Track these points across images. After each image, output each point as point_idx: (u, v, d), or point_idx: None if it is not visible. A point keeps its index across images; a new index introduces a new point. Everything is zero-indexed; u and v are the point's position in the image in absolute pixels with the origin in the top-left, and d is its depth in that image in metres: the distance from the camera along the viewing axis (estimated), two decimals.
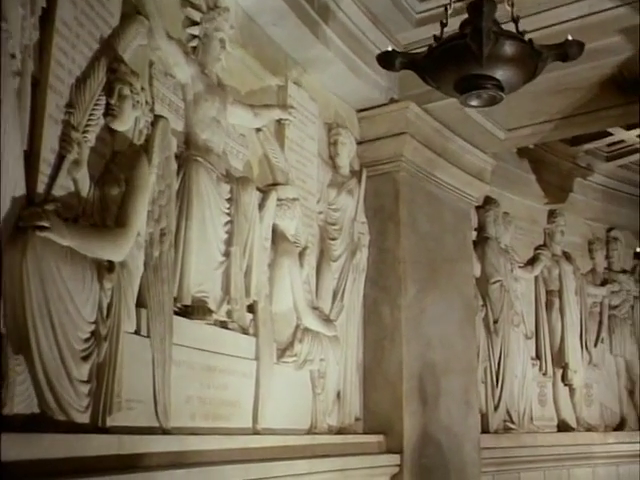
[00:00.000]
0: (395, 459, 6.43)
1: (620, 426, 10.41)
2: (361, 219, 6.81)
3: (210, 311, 4.72)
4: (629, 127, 9.09)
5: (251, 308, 5.23)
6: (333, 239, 6.48)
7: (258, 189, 5.47)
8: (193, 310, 4.62)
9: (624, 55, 6.24)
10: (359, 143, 7.04)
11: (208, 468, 4.36)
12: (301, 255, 5.88)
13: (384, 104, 7.02)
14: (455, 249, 7.79)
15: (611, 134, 9.24)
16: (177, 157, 4.64)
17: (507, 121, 7.59)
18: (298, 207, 5.83)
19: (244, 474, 4.65)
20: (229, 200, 4.98)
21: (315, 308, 5.99)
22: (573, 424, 9.59)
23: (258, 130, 5.71)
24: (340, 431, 6.19)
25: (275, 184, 5.75)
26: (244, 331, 5.13)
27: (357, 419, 6.50)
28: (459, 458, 7.16)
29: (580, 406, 9.69)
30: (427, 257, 7.25)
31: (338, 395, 6.25)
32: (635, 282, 10.84)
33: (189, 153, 4.76)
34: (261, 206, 5.44)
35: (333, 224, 6.53)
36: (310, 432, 5.79)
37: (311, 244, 6.12)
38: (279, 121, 5.96)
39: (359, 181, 6.89)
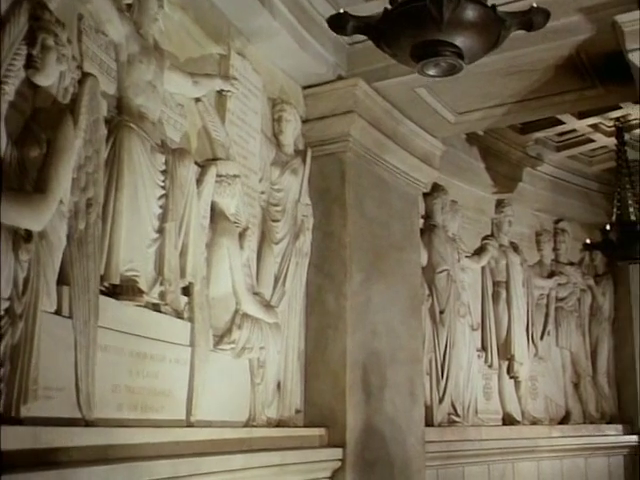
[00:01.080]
0: (337, 453, 6.12)
1: (565, 420, 10.33)
2: (305, 201, 6.47)
3: (141, 292, 4.31)
4: (581, 116, 8.93)
5: (186, 290, 4.87)
6: (275, 221, 6.13)
7: (196, 163, 5.10)
8: (122, 290, 4.22)
9: (582, 36, 5.98)
10: (304, 121, 6.70)
11: (135, 464, 3.99)
12: (241, 236, 5.51)
13: (331, 81, 6.68)
14: (402, 236, 7.50)
15: (563, 123, 9.04)
16: (107, 122, 4.22)
17: (458, 104, 7.31)
18: (239, 185, 5.46)
19: (174, 470, 4.28)
20: (164, 172, 4.58)
21: (255, 293, 5.64)
22: (518, 417, 9.43)
23: (197, 100, 5.33)
24: (280, 424, 5.89)
25: (215, 159, 5.37)
26: (178, 315, 4.77)
27: (298, 411, 6.19)
28: (403, 452, 6.90)
29: (525, 399, 9.55)
30: (373, 243, 6.96)
31: (278, 386, 5.94)
32: (582, 274, 10.80)
33: (121, 118, 4.36)
34: (199, 181, 5.07)
35: (276, 205, 6.18)
36: (248, 425, 5.47)
37: (252, 225, 5.77)
38: (220, 92, 5.58)
39: (303, 161, 6.54)
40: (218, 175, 5.26)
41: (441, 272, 8.47)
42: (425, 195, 8.46)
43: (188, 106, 5.25)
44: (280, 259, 6.10)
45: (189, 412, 4.79)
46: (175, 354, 4.70)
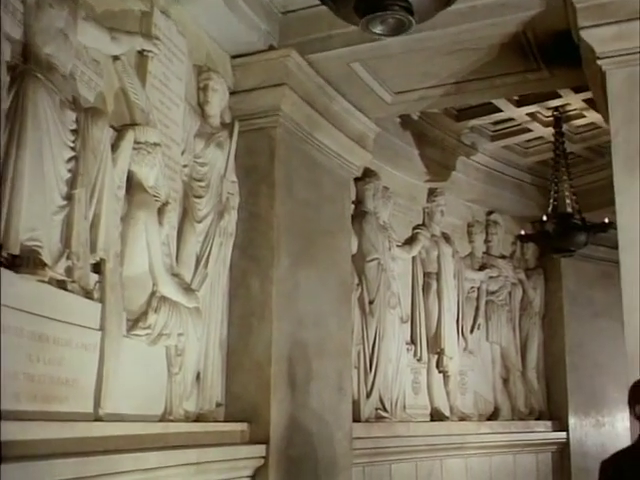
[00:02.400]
0: (260, 450, 5.71)
1: (494, 416, 10.14)
2: (231, 178, 6.01)
3: (43, 265, 3.79)
4: (519, 104, 8.68)
5: (97, 267, 4.38)
6: (198, 197, 5.66)
7: (112, 127, 4.61)
8: (21, 262, 3.70)
9: (531, 12, 5.70)
10: (232, 93, 6.25)
11: (33, 463, 3.55)
12: (161, 211, 5.02)
13: (262, 50, 6.24)
14: (333, 221, 7.12)
15: (500, 110, 8.76)
16: (11, 70, 3.72)
17: (395, 82, 6.96)
18: (159, 154, 4.98)
19: (79, 470, 3.84)
20: (74, 132, 4.09)
21: (174, 274, 5.17)
22: (447, 413, 9.15)
23: (115, 58, 4.84)
24: (199, 418, 5.47)
25: (133, 124, 4.87)
26: (87, 294, 4.27)
27: (218, 405, 5.75)
28: (330, 449, 6.53)
29: (454, 394, 9.28)
30: (303, 226, 6.55)
31: (198, 377, 5.51)
32: (513, 268, 10.61)
33: (27, 67, 3.84)
34: (115, 146, 4.58)
35: (199, 180, 5.70)
36: (164, 419, 5.05)
37: (173, 200, 5.27)
38: (141, 52, 5.10)
39: (230, 135, 6.07)
40: (136, 142, 4.78)
41: (371, 261, 8.10)
42: (356, 180, 8.07)
43: (105, 64, 4.76)
44: (202, 239, 5.64)
45: (97, 404, 4.33)
46: (82, 338, 4.21)
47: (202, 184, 5.71)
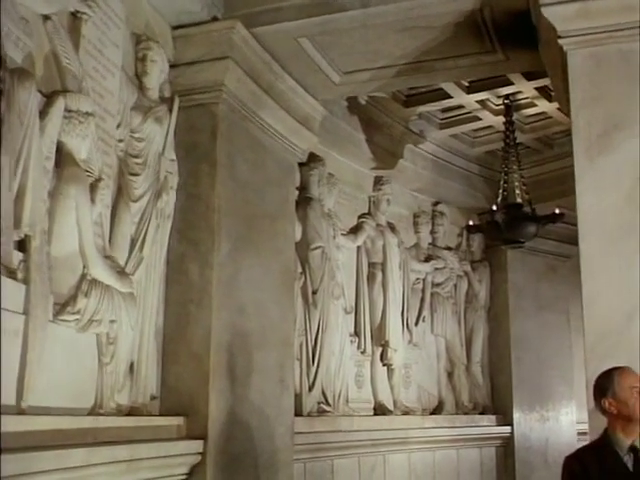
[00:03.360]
0: (197, 446, 5.37)
1: (437, 410, 9.98)
2: (170, 156, 5.63)
3: None
4: (470, 90, 8.47)
5: (22, 245, 3.99)
6: (134, 175, 5.27)
7: (41, 93, 4.21)
8: None
9: None
10: (172, 66, 5.86)
11: None
12: (93, 188, 4.62)
13: (205, 21, 5.90)
14: (277, 205, 6.80)
15: (450, 97, 8.54)
16: None
17: (344, 61, 6.64)
18: (92, 125, 4.57)
19: None
20: None
21: (107, 257, 4.79)
22: (390, 407, 8.93)
23: (46, 18, 4.42)
24: (131, 412, 5.09)
25: (64, 91, 4.46)
26: (10, 274, 3.87)
27: (153, 397, 5.40)
28: (270, 444, 6.22)
29: (398, 388, 9.06)
30: (245, 210, 6.21)
31: (131, 367, 5.15)
32: (459, 260, 10.46)
33: None
34: (43, 114, 4.16)
35: (136, 157, 5.33)
36: (93, 413, 4.67)
37: (106, 177, 4.88)
38: (75, 14, 4.70)
39: (170, 110, 5.71)
40: (67, 110, 4.36)
41: (315, 249, 7.80)
42: (301, 165, 7.77)
43: (35, 24, 4.33)
44: (138, 220, 5.27)
45: (20, 396, 3.96)
46: (4, 323, 3.80)
47: (138, 161, 5.33)
